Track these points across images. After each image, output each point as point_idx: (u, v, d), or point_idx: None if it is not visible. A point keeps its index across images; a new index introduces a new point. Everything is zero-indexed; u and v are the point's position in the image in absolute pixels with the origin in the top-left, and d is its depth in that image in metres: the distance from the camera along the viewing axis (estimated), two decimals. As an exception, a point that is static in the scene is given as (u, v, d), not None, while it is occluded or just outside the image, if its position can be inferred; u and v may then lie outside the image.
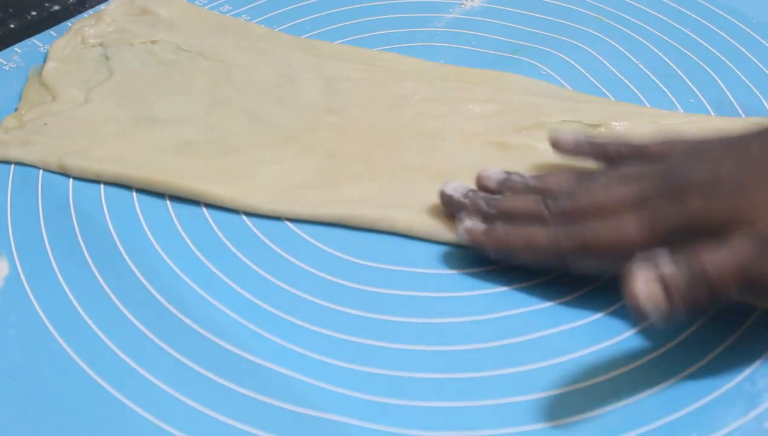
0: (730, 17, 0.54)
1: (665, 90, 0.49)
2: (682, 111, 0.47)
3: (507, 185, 0.40)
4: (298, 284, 0.39)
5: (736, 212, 0.32)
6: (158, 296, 0.38)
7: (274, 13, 0.55)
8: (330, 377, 0.35)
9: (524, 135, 0.44)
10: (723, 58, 0.51)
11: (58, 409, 0.34)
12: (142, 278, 0.39)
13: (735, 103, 0.47)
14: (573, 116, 0.45)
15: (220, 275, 0.39)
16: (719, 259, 0.31)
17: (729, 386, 0.34)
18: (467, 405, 0.34)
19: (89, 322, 0.37)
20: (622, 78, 0.49)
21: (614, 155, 0.39)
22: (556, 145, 0.41)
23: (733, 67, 0.50)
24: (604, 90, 0.49)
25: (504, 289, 0.38)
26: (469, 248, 0.39)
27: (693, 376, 0.35)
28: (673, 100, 0.48)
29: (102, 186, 0.44)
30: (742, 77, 0.49)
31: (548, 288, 0.38)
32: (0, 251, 0.41)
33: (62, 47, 0.51)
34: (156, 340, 0.37)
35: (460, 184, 0.40)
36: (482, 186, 0.40)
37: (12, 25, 0.55)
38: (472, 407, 0.34)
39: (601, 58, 0.51)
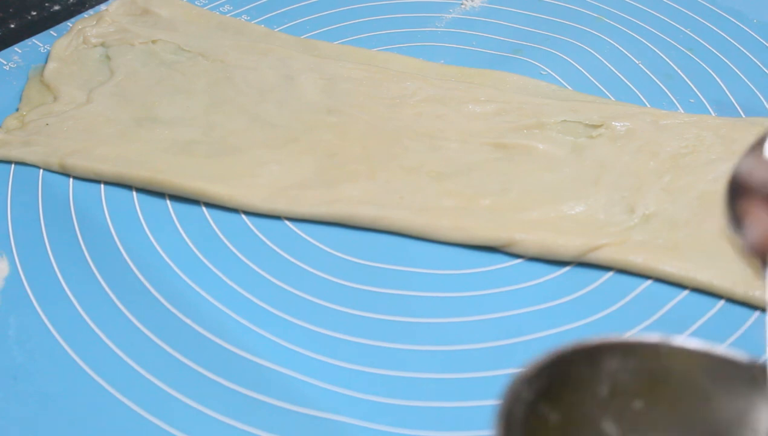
0: (730, 17, 0.54)
1: (665, 90, 0.49)
2: (682, 111, 0.47)
3: None
4: (298, 283, 0.39)
5: None
6: (158, 296, 0.38)
7: (274, 13, 0.55)
8: (330, 376, 0.35)
9: (524, 135, 0.44)
10: (723, 58, 0.51)
11: (58, 409, 0.34)
12: (142, 278, 0.39)
13: (735, 103, 0.47)
14: (573, 116, 0.45)
15: (219, 274, 0.39)
16: None
17: (729, 385, 0.34)
18: (467, 405, 0.34)
19: (89, 322, 0.37)
20: (622, 78, 0.49)
21: None
22: None
23: (733, 67, 0.50)
24: (604, 90, 0.49)
25: (504, 288, 0.38)
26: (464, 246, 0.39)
27: (693, 376, 0.35)
28: (673, 100, 0.48)
29: (102, 186, 0.44)
30: (742, 77, 0.49)
31: (549, 287, 0.38)
32: (0, 251, 0.41)
33: (64, 47, 0.51)
34: (156, 340, 0.37)
35: None
36: None
37: (12, 25, 0.55)
38: (472, 407, 0.34)
39: (601, 58, 0.51)
